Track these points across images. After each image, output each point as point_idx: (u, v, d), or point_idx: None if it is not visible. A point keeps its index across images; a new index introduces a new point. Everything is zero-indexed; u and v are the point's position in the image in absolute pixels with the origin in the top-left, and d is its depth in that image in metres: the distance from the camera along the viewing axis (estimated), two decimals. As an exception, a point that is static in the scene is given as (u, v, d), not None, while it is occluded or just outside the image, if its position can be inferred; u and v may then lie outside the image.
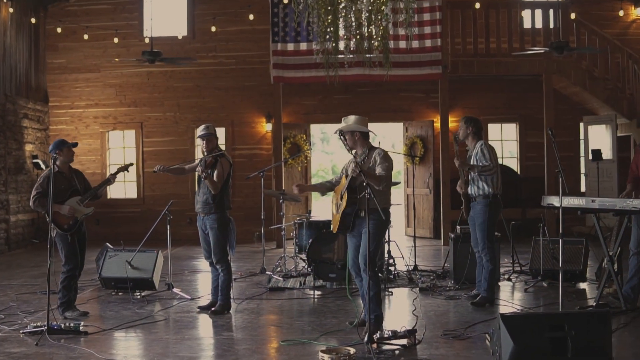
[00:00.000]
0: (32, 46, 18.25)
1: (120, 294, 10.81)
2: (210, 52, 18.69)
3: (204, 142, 9.41)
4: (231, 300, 9.59)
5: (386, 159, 8.00)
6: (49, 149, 9.75)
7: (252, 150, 18.58)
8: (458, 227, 11.31)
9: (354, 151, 8.09)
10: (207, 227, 9.36)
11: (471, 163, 9.68)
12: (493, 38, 16.85)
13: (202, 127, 9.44)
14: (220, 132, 18.27)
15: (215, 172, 9.20)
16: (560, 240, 8.37)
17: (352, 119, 8.16)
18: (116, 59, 18.52)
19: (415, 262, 12.62)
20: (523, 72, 17.09)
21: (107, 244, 11.81)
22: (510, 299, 10.20)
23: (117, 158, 19.08)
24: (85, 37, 17.93)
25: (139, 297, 10.58)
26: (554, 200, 9.53)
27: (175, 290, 10.76)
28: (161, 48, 16.60)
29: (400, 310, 9.68)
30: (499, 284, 11.15)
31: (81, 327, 8.31)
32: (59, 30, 17.79)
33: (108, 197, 18.85)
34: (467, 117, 10.02)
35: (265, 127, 18.44)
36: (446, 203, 16.51)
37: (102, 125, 18.99)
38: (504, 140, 18.85)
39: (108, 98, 18.93)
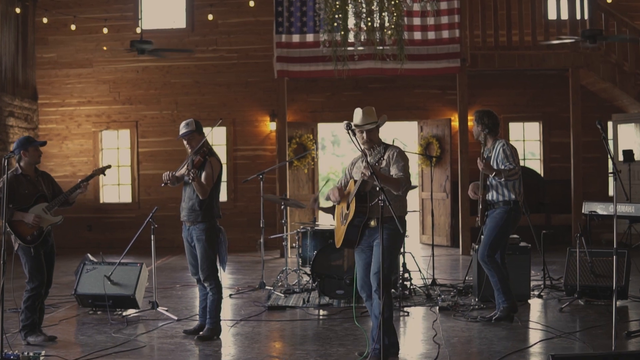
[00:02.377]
0: (19, 39, 17.07)
1: (98, 312, 9.56)
2: (211, 46, 17.54)
3: (186, 142, 8.14)
4: (221, 323, 8.27)
5: (403, 157, 6.88)
6: (12, 147, 8.43)
7: (255, 151, 17.42)
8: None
9: (364, 148, 7.00)
10: (194, 238, 8.08)
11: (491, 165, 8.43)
12: (515, 30, 15.62)
13: (182, 124, 8.17)
14: (221, 132, 17.42)
15: (204, 174, 7.92)
16: (614, 256, 6.99)
17: (362, 112, 6.99)
18: (104, 47, 17.36)
19: (433, 275, 11.27)
20: (548, 67, 15.85)
21: (88, 254, 10.50)
22: (543, 320, 8.89)
23: (111, 159, 17.90)
24: (73, 27, 16.61)
25: (119, 316, 9.31)
26: (599, 208, 8.18)
27: (160, 309, 9.45)
28: (157, 41, 15.56)
29: (418, 335, 8.36)
30: (529, 302, 9.87)
31: (41, 358, 7.01)
32: (45, 20, 16.50)
33: (101, 201, 17.76)
34: (480, 112, 8.71)
35: (269, 126, 17.31)
36: (465, 208, 15.26)
37: (94, 124, 17.85)
38: (526, 140, 17.59)
39: (101, 95, 17.81)
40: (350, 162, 7.28)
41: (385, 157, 6.87)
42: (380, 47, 14.69)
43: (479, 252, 8.63)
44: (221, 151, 17.28)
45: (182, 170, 8.19)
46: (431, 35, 15.12)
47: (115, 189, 18.05)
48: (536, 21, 15.64)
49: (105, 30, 15.93)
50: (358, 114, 6.97)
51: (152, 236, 9.39)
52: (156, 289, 9.90)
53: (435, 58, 15.14)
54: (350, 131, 6.71)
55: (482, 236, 8.76)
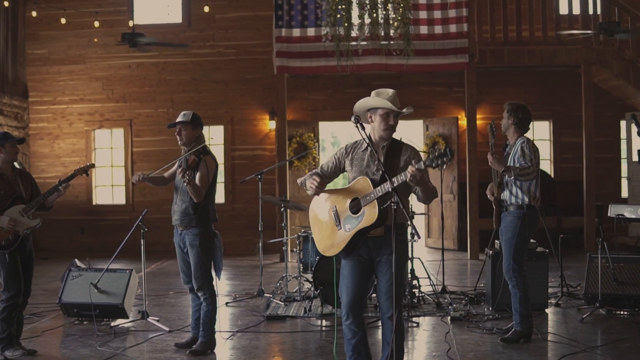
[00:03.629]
0: (8, 34, 16.44)
1: (85, 323, 8.89)
2: (208, 41, 16.91)
3: (177, 132, 7.45)
4: (216, 335, 7.59)
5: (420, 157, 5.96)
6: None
7: (253, 150, 16.78)
8: (497, 241, 9.36)
9: (381, 136, 6.07)
10: (187, 243, 7.40)
11: (509, 163, 7.75)
12: (525, 25, 15.03)
13: (180, 114, 7.49)
14: (219, 131, 16.81)
15: (199, 175, 7.23)
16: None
17: (393, 93, 6.10)
18: (95, 39, 16.67)
19: (443, 282, 10.59)
20: (559, 62, 15.21)
21: (75, 260, 9.84)
22: (564, 332, 8.22)
23: (104, 159, 17.33)
24: (63, 20, 15.81)
25: (106, 327, 8.64)
26: (626, 211, 7.50)
27: (151, 319, 8.77)
28: (152, 37, 14.81)
29: (430, 349, 7.68)
30: (546, 311, 9.20)
31: (17, 376, 6.36)
32: (34, 13, 15.81)
33: (93, 202, 17.13)
34: (514, 104, 8.02)
35: (269, 124, 16.66)
36: (473, 211, 14.60)
37: (87, 123, 17.20)
38: (536, 139, 16.87)
39: (94, 92, 17.17)
40: (346, 150, 6.19)
41: (404, 158, 5.97)
42: (385, 42, 14.06)
43: (504, 266, 7.91)
44: (219, 151, 16.77)
45: (173, 169, 7.53)
46: (438, 29, 14.48)
47: (109, 190, 17.44)
48: (547, 15, 15.09)
49: (96, 24, 15.24)
50: (387, 94, 6.06)
51: (142, 240, 8.71)
52: (147, 297, 9.25)
53: (443, 53, 14.49)
54: (359, 125, 5.96)
55: (501, 244, 8.08)
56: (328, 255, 6.12)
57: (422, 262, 10.29)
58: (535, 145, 7.81)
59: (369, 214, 5.72)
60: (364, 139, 5.93)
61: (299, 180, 6.27)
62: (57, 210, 17.21)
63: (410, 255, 9.66)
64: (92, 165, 8.15)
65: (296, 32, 14.56)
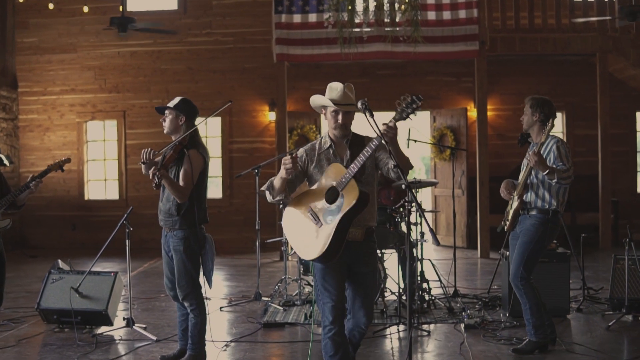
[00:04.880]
0: (-4, 22, 15.73)
1: (66, 330, 8.15)
2: (204, 29, 16.17)
3: (162, 119, 6.66)
4: (208, 346, 6.85)
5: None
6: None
7: (252, 143, 16.08)
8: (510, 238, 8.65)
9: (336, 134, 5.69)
10: (170, 249, 6.60)
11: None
12: (538, 11, 14.33)
13: None
14: (216, 123, 16.12)
15: (182, 172, 6.39)
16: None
17: (344, 87, 5.64)
18: (87, 33, 15.87)
19: (455, 284, 9.85)
20: (573, 51, 14.48)
21: (58, 260, 9.08)
22: (589, 341, 7.49)
23: (97, 152, 16.66)
24: (51, 6, 14.92)
25: (88, 335, 7.92)
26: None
27: (137, 327, 8.03)
28: (144, 22, 14.15)
29: (443, 362, 6.96)
30: (568, 317, 8.48)
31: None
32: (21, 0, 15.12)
33: (85, 198, 16.42)
34: (537, 99, 7.21)
35: (268, 116, 15.96)
36: (484, 206, 13.91)
37: (79, 115, 16.48)
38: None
39: (86, 83, 16.45)
40: (306, 153, 5.74)
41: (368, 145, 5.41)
42: (390, 28, 13.35)
43: (511, 272, 7.15)
44: (216, 143, 16.14)
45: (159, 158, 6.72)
46: (447, 15, 13.77)
47: (101, 184, 16.75)
48: (560, 2, 14.34)
49: (85, 9, 14.50)
50: (336, 90, 5.61)
51: (127, 241, 7.94)
52: (133, 302, 8.54)
53: (451, 40, 13.79)
54: (367, 111, 5.27)
55: (512, 251, 7.33)
56: (314, 257, 5.44)
57: (432, 263, 9.55)
58: (568, 145, 7.04)
59: (349, 195, 5.27)
60: (375, 130, 5.22)
61: (262, 188, 5.72)
62: (47, 205, 16.93)
63: (420, 256, 8.97)
64: (68, 160, 7.43)
65: (297, 17, 13.90)
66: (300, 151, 5.73)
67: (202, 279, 6.60)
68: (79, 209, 16.36)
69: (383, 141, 5.13)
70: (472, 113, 15.21)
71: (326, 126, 5.70)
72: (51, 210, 16.29)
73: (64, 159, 7.36)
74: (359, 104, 5.28)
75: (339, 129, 5.58)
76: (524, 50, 14.38)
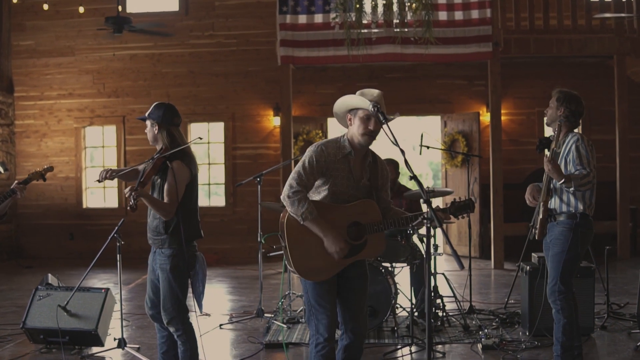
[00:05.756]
0: (-8, 24, 15.28)
1: (53, 350, 7.58)
2: (207, 31, 15.71)
3: (146, 129, 6.08)
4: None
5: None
6: None
7: (256, 149, 15.57)
8: (535, 255, 8.04)
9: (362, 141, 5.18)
10: (157, 267, 5.93)
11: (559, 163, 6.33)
12: (553, 12, 13.79)
13: None
14: (219, 128, 15.59)
15: (165, 187, 5.75)
16: None
17: (374, 94, 5.10)
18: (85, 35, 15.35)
19: (470, 299, 9.25)
20: (590, 53, 13.99)
21: (48, 275, 8.51)
22: (618, 363, 6.90)
23: (95, 159, 16.29)
24: (46, 6, 14.55)
25: (77, 356, 7.36)
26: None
27: (129, 348, 7.46)
28: (151, 28, 13.75)
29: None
30: (592, 335, 7.89)
31: None
32: (14, 0, 14.60)
33: (84, 206, 15.93)
34: (565, 93, 6.58)
35: (273, 121, 15.47)
36: (498, 215, 13.35)
37: (77, 120, 16.03)
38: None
39: (84, 87, 16.00)
40: (323, 154, 5.07)
41: (381, 174, 5.25)
42: (398, 30, 12.84)
43: (548, 287, 6.50)
44: (219, 149, 15.71)
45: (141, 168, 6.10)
46: (459, 15, 13.26)
47: (100, 192, 16.32)
48: (577, 2, 13.81)
49: (81, 10, 14.02)
50: (371, 95, 5.07)
51: (119, 255, 7.37)
52: (126, 321, 7.98)
53: (464, 42, 13.28)
54: (380, 114, 4.73)
55: (544, 255, 6.73)
56: (310, 279, 5.04)
57: (446, 277, 8.95)
58: (591, 144, 6.39)
59: (375, 246, 5.11)
60: (390, 139, 4.67)
61: (298, 216, 5.00)
62: (44, 214, 16.39)
63: (433, 270, 8.39)
64: (50, 169, 6.81)
65: (302, 18, 13.44)
66: (321, 150, 5.09)
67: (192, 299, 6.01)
68: (77, 218, 15.88)
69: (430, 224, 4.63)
70: (485, 118, 14.73)
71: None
72: (48, 218, 15.83)
73: (46, 167, 6.74)
74: (370, 106, 4.73)
75: (367, 136, 5.04)
76: (539, 52, 13.86)
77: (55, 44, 16.03)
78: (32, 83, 16.11)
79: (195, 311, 6.12)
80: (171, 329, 5.85)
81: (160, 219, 5.75)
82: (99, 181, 5.90)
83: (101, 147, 16.15)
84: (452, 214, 4.99)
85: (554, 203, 6.43)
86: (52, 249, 15.72)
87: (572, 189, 6.08)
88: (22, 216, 15.98)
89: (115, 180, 6.32)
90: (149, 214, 5.90)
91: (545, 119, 6.69)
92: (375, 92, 5.05)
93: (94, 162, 16.23)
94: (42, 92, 16.08)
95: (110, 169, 5.94)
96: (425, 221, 4.32)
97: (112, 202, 15.99)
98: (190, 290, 5.88)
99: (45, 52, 16.08)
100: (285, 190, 4.99)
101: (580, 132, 14.10)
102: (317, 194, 5.07)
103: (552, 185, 6.43)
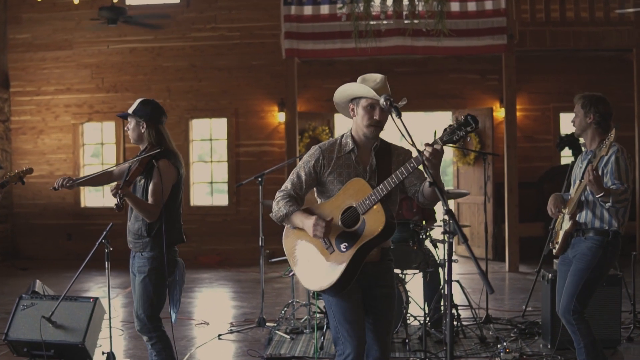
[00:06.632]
0: (-14, 17, 14.81)
1: (38, 364, 7.03)
2: (209, 23, 15.19)
3: (126, 127, 5.67)
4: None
5: None
6: None
7: (260, 146, 15.06)
8: (557, 262, 7.48)
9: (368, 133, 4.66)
10: (134, 271, 5.62)
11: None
12: (570, 4, 13.25)
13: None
14: (222, 124, 15.10)
15: (150, 187, 5.42)
16: None
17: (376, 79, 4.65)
18: (83, 28, 14.89)
19: (487, 308, 8.66)
20: (608, 46, 13.45)
21: (37, 281, 7.99)
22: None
23: (94, 156, 15.89)
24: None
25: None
26: None
27: (119, 363, 6.93)
28: (149, 20, 13.42)
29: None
30: (618, 348, 7.31)
31: None
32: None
33: (82, 205, 15.49)
34: (590, 96, 5.99)
35: (278, 117, 14.97)
36: (512, 215, 12.81)
37: (74, 116, 15.52)
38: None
39: (82, 82, 15.49)
40: (322, 154, 4.63)
41: (396, 161, 4.66)
42: (408, 21, 12.31)
43: (562, 305, 5.92)
44: (221, 147, 15.27)
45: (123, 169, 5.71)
46: (472, 6, 12.70)
47: (99, 191, 15.87)
48: (594, -7, 13.31)
49: (76, 0, 13.46)
50: (374, 80, 4.64)
51: (107, 263, 6.79)
52: (120, 327, 7.45)
53: (477, 34, 12.73)
54: (393, 108, 4.19)
55: (560, 278, 6.14)
56: (321, 288, 4.50)
57: (461, 285, 8.37)
58: (629, 156, 5.79)
59: (373, 221, 4.34)
60: (405, 136, 4.13)
61: (275, 214, 4.60)
62: (41, 213, 15.82)
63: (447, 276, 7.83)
64: (30, 171, 6.29)
65: (307, 9, 12.91)
66: (316, 152, 4.64)
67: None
68: (75, 217, 15.39)
69: (423, 165, 4.12)
70: (499, 113, 14.22)
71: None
72: (45, 218, 15.35)
73: (24, 169, 6.21)
74: (382, 100, 4.19)
75: (373, 127, 4.54)
76: (555, 45, 13.33)
77: (52, 37, 15.52)
78: (28, 78, 15.62)
79: (171, 320, 5.64)
80: (144, 338, 5.50)
81: (142, 221, 5.45)
82: (54, 189, 5.53)
83: (100, 144, 15.70)
84: (449, 141, 4.20)
85: (584, 217, 5.84)
86: (49, 250, 15.23)
87: (608, 204, 5.50)
88: (18, 216, 15.48)
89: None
90: (129, 217, 5.51)
91: (574, 129, 6.06)
92: (378, 77, 4.59)
93: (93, 160, 15.78)
94: (39, 87, 15.59)
95: (69, 177, 5.66)
96: (445, 235, 3.73)
97: (111, 201, 15.41)
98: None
99: (42, 46, 15.57)
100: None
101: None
102: (331, 188, 4.60)
103: (583, 197, 5.84)
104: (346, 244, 4.35)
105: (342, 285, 4.38)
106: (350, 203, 4.40)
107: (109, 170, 5.96)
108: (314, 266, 4.49)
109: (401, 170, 4.26)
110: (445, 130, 4.22)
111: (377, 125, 4.53)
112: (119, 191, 5.16)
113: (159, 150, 5.44)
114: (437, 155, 4.15)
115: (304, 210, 4.51)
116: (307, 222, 4.39)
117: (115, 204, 5.20)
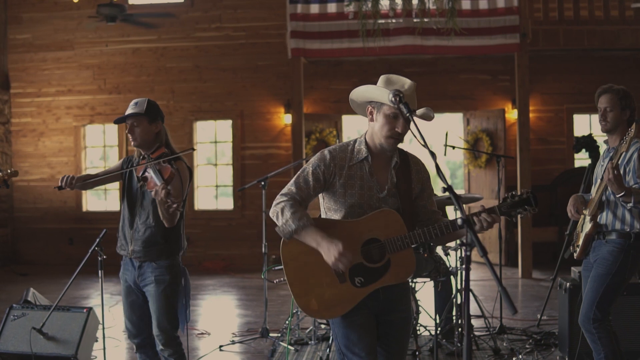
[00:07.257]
0: (-14, 17, 14.54)
1: (30, 378, 6.69)
2: (214, 23, 14.85)
3: (129, 130, 5.35)
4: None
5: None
6: None
7: (266, 149, 14.72)
8: (575, 269, 7.08)
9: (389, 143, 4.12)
10: (150, 280, 5.19)
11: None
12: (584, 2, 12.88)
13: (131, 104, 5.38)
14: (227, 126, 14.77)
15: (172, 191, 5.02)
16: None
17: (405, 84, 4.10)
18: (85, 28, 14.59)
19: (501, 318, 8.28)
20: (623, 46, 13.07)
21: (30, 289, 7.67)
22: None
23: (96, 159, 15.66)
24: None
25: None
26: None
27: (113, 377, 6.58)
28: (150, 18, 13.18)
29: None
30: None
31: None
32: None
33: (84, 209, 15.19)
34: (619, 90, 5.58)
35: (284, 119, 14.61)
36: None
37: (76, 118, 15.21)
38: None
39: (84, 83, 15.18)
40: (333, 159, 4.07)
41: (416, 177, 4.20)
42: (418, 19, 11.95)
43: (582, 312, 5.54)
44: (227, 149, 14.94)
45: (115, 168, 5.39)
46: (483, 4, 12.37)
47: (101, 194, 15.67)
48: (609, -9, 12.97)
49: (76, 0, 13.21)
50: (401, 85, 4.08)
51: (100, 271, 6.45)
52: (117, 337, 7.09)
53: (489, 33, 12.37)
54: (402, 105, 3.81)
55: (585, 284, 5.76)
56: (320, 317, 4.14)
57: (473, 293, 8.00)
58: None
59: (400, 266, 3.95)
60: (417, 138, 3.74)
61: (284, 231, 3.99)
62: (42, 217, 15.47)
63: (460, 286, 7.46)
64: (15, 173, 5.93)
65: (314, 8, 12.60)
66: (326, 157, 4.08)
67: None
68: (76, 221, 15.09)
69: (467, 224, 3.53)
70: (511, 115, 13.86)
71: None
72: (46, 222, 15.05)
73: (9, 171, 5.85)
74: (391, 96, 3.80)
75: (393, 139, 4.04)
76: (569, 45, 12.96)
77: (53, 37, 15.23)
78: (29, 79, 15.34)
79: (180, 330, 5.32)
80: (166, 353, 5.09)
81: (155, 227, 5.15)
82: (59, 188, 5.17)
83: (102, 146, 15.42)
84: (505, 214, 3.90)
85: (605, 218, 5.46)
86: (50, 255, 14.94)
87: (630, 204, 5.12)
88: (19, 220, 15.18)
89: (115, 182, 5.63)
90: (126, 224, 5.21)
91: (603, 125, 5.62)
92: (406, 82, 4.07)
93: (94, 163, 15.53)
94: (40, 88, 15.30)
95: (73, 176, 5.28)
96: (463, 247, 3.34)
97: (113, 205, 15.24)
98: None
99: (42, 46, 15.28)
100: (273, 203, 4.05)
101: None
102: (335, 215, 4.07)
103: (604, 197, 5.45)
104: (362, 279, 3.91)
105: (362, 324, 3.99)
106: (376, 235, 3.94)
107: (116, 173, 5.51)
108: (316, 290, 3.98)
109: (440, 226, 3.93)
110: (505, 200, 3.92)
111: (397, 138, 4.03)
112: (174, 201, 4.83)
113: (192, 149, 5.58)
114: (491, 225, 3.84)
115: (318, 225, 3.94)
116: (327, 247, 3.83)
117: (173, 206, 4.80)
